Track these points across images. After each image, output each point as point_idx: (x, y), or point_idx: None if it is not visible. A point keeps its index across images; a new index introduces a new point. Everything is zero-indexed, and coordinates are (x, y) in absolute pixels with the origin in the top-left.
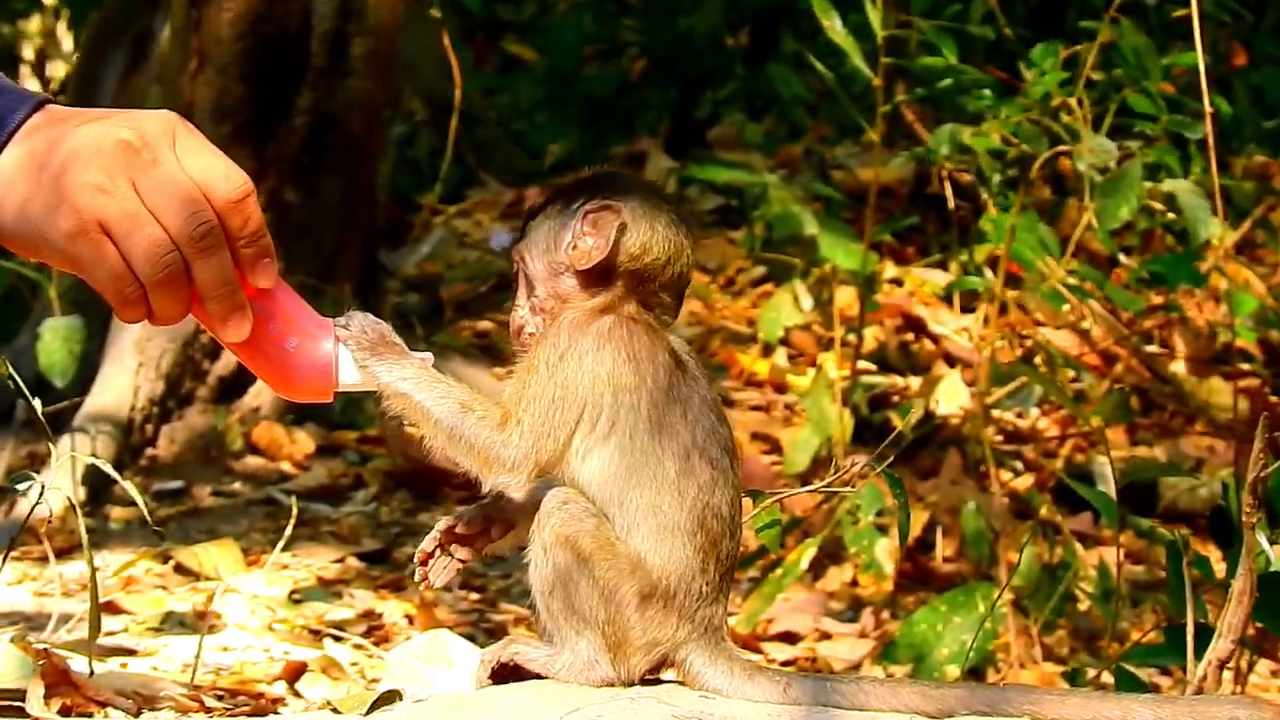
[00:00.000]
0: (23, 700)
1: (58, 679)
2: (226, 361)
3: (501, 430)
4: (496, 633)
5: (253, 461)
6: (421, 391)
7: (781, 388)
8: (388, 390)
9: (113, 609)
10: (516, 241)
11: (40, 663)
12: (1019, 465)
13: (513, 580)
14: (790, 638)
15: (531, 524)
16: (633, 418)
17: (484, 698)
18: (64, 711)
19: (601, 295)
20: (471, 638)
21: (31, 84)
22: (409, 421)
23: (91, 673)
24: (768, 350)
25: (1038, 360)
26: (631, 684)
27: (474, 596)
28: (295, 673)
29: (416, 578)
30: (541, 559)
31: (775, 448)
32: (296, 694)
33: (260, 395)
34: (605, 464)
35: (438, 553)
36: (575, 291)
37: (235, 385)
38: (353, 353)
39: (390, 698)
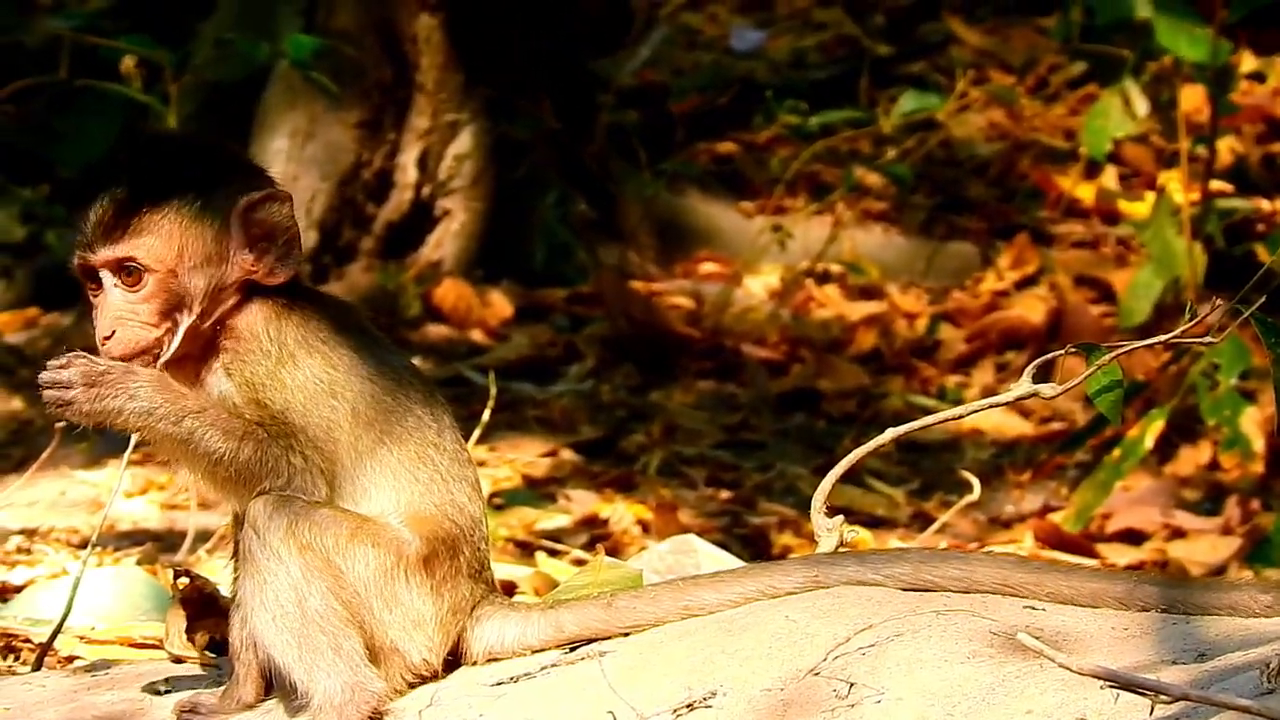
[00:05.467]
0: (160, 636)
1: (203, 608)
2: (397, 203)
3: None
4: (754, 539)
5: (435, 330)
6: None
7: (1112, 217)
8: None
9: None
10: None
11: (180, 590)
12: None
13: (773, 473)
14: (1133, 536)
15: None
16: None
17: (753, 613)
18: (213, 647)
19: None
20: (724, 545)
21: None
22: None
23: None
24: (1093, 169)
25: None
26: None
27: (724, 494)
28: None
29: None
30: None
31: (1106, 294)
32: None
33: (442, 245)
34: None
35: None
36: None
37: (409, 233)
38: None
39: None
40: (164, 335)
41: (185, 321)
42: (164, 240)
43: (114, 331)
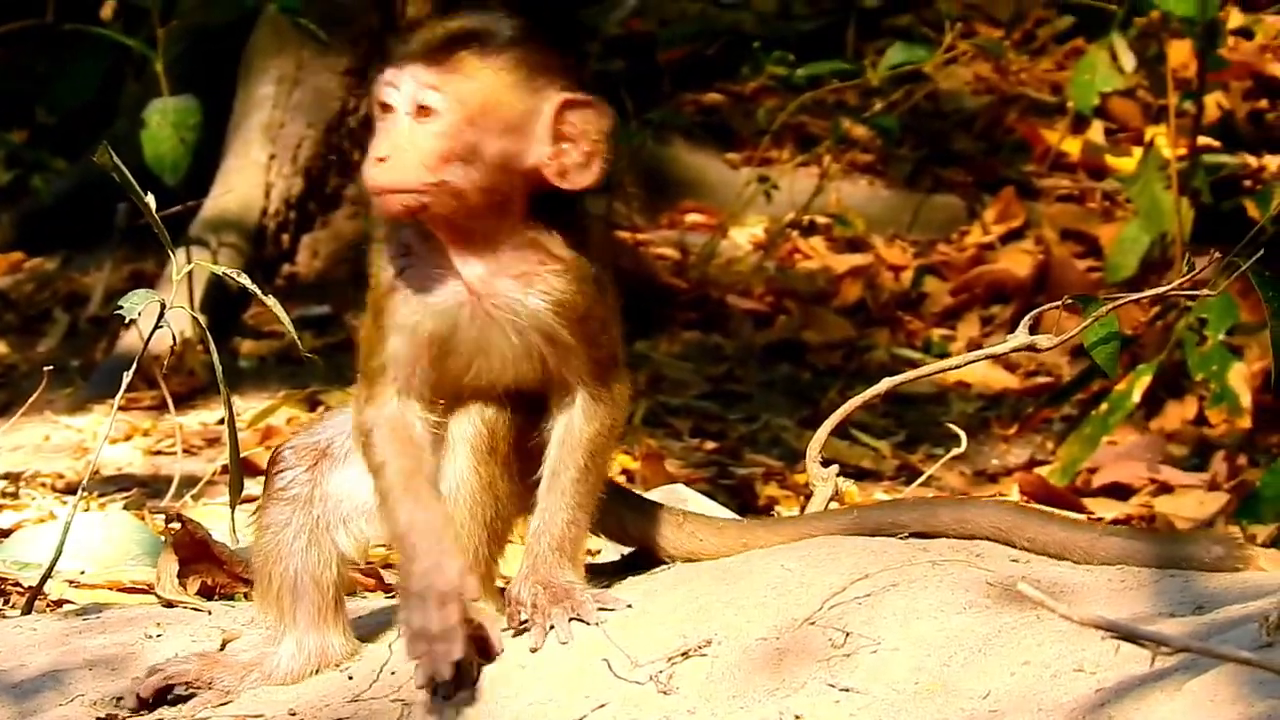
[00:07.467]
0: (150, 580)
1: (195, 553)
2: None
3: None
4: (740, 490)
5: None
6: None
7: (1099, 171)
8: None
9: (249, 468)
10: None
11: (171, 534)
12: None
13: (758, 424)
14: (1120, 491)
15: None
16: None
17: (748, 561)
18: (204, 592)
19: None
20: (710, 495)
21: None
22: None
23: (237, 544)
24: (1080, 124)
25: None
26: None
27: (709, 445)
28: None
29: None
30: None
31: (1093, 248)
32: None
33: None
34: None
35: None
36: (518, 204)
37: None
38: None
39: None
40: (433, 187)
41: (461, 182)
42: (477, 87)
43: (389, 157)
